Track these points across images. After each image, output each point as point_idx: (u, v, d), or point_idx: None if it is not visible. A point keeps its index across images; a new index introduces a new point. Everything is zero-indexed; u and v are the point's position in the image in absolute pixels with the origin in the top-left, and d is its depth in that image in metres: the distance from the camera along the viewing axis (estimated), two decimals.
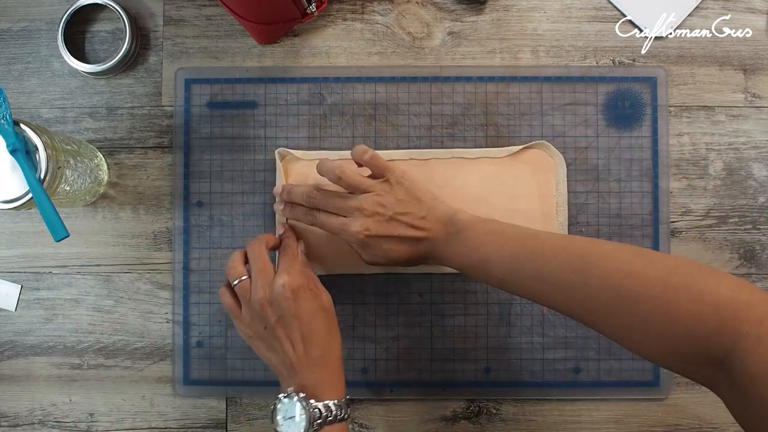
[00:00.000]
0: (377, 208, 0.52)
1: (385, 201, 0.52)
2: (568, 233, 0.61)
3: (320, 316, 0.52)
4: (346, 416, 0.50)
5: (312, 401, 0.48)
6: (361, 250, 0.54)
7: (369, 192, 0.53)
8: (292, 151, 0.61)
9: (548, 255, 0.47)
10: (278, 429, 0.48)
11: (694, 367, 0.41)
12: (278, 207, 0.59)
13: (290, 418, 0.48)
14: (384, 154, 0.60)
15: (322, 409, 0.48)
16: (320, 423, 0.48)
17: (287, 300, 0.50)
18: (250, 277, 0.53)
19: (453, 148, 0.62)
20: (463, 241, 0.51)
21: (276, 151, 0.61)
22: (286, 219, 0.61)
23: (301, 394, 0.48)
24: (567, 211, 0.61)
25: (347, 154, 0.57)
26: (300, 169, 0.61)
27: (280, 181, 0.61)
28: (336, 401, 0.49)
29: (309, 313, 0.51)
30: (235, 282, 0.53)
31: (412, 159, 0.61)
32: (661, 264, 0.43)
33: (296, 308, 0.50)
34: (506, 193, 0.61)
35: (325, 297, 0.53)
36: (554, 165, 0.61)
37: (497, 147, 0.62)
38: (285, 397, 0.49)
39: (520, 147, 0.61)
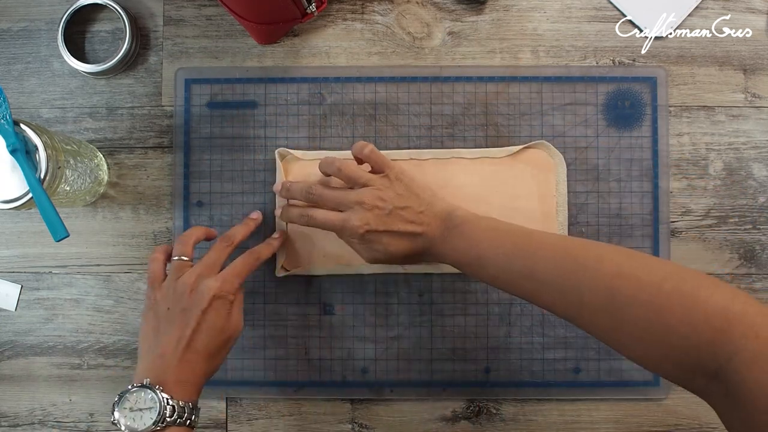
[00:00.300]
0: (377, 201, 0.52)
1: (385, 195, 0.53)
2: (568, 233, 0.61)
3: (217, 337, 0.50)
4: (194, 420, 0.48)
5: (166, 396, 0.46)
6: (360, 247, 0.54)
7: (369, 186, 0.53)
8: (292, 151, 0.61)
9: (539, 254, 0.46)
10: (121, 421, 0.46)
11: (688, 375, 0.41)
12: (278, 212, 0.59)
13: (138, 410, 0.46)
14: (384, 155, 0.60)
15: (175, 407, 0.46)
16: (170, 421, 0.46)
17: (202, 301, 0.50)
18: (191, 261, 0.53)
19: (453, 148, 0.62)
20: (460, 237, 0.51)
21: (276, 151, 0.61)
22: (286, 224, 0.61)
23: (158, 387, 0.46)
24: (567, 211, 0.61)
25: (348, 154, 0.57)
26: (300, 169, 0.61)
27: (280, 181, 0.61)
28: (190, 402, 0.48)
29: (208, 325, 0.50)
30: (176, 258, 0.53)
31: (411, 159, 0.61)
32: (656, 269, 0.42)
33: (202, 314, 0.50)
34: (506, 193, 0.61)
35: (236, 323, 0.52)
36: (554, 165, 0.61)
37: (497, 147, 0.62)
38: (140, 387, 0.46)
39: (520, 147, 0.61)
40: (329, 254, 0.61)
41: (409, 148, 0.62)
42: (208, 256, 0.53)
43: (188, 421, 0.47)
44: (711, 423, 0.62)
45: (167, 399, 0.46)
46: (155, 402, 0.46)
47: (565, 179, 0.61)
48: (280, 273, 0.61)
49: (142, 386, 0.47)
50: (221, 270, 0.53)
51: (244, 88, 0.63)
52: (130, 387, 0.47)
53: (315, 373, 0.62)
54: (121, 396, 0.47)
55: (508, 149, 0.61)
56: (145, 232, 0.63)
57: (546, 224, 0.61)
